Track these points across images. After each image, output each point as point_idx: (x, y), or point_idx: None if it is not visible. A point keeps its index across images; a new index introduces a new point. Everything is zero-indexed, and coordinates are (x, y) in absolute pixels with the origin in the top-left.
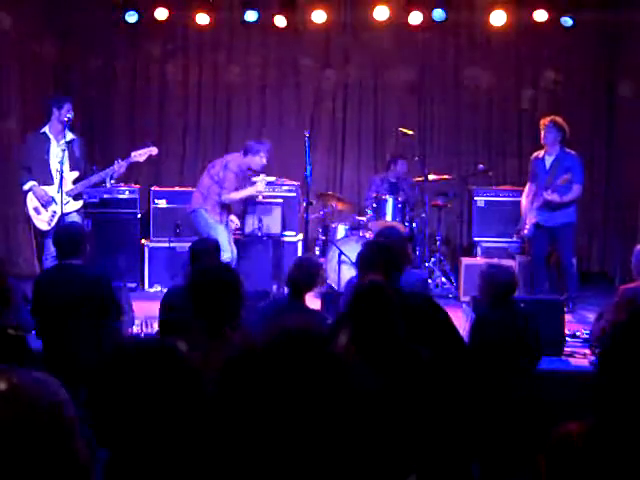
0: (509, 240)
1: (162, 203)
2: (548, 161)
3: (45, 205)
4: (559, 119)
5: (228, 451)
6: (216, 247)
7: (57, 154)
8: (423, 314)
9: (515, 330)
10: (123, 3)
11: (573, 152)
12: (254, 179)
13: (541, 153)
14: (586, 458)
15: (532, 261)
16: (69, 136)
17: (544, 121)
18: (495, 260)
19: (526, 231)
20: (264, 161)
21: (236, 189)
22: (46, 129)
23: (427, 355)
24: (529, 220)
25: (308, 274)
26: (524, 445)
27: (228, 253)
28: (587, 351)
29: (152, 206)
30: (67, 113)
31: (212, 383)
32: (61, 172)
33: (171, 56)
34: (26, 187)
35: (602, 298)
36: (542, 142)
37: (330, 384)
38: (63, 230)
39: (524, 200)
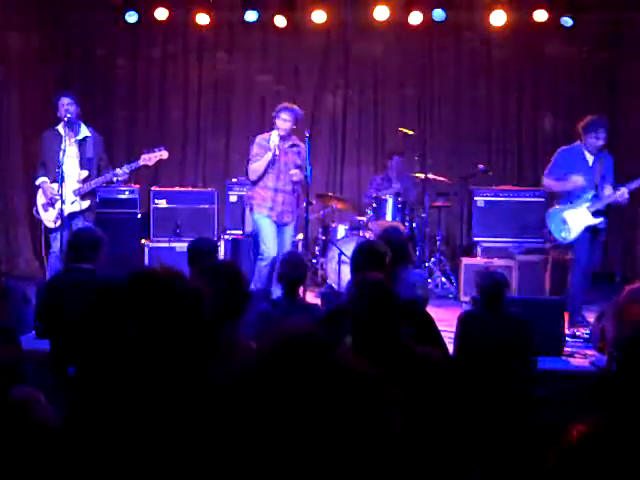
0: (509, 240)
1: (162, 203)
2: (590, 159)
3: (52, 202)
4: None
5: (233, 456)
6: (214, 247)
7: (71, 152)
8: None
9: (503, 333)
10: (123, 3)
11: (608, 152)
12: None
13: (576, 147)
14: (603, 459)
15: (581, 267)
16: (84, 133)
17: (589, 119)
18: (494, 261)
19: (572, 235)
20: (286, 125)
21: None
22: (59, 126)
23: (438, 357)
24: (576, 223)
25: (296, 269)
26: (524, 450)
27: (269, 250)
28: (587, 351)
29: (152, 206)
30: (62, 108)
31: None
32: (61, 172)
33: (171, 56)
34: (37, 182)
35: (602, 298)
36: (601, 143)
37: (334, 391)
38: (79, 234)
39: (564, 182)
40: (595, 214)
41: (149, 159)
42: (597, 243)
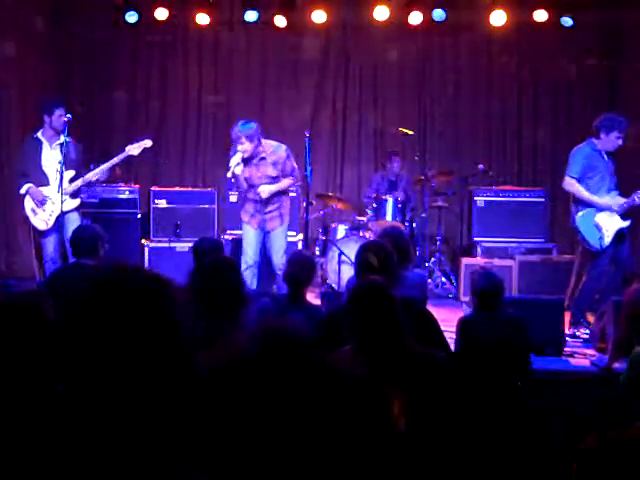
0: (509, 240)
1: (162, 203)
2: (606, 157)
3: (40, 203)
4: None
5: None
6: (218, 247)
7: (53, 156)
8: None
9: (498, 335)
10: (123, 3)
11: None
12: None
13: (597, 145)
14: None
15: (601, 270)
16: (62, 138)
17: (604, 116)
18: (494, 261)
19: (607, 241)
20: (245, 147)
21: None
22: (39, 134)
23: (443, 357)
24: (609, 227)
25: (303, 269)
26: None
27: (246, 257)
28: (587, 351)
29: (152, 206)
30: (59, 119)
31: (212, 381)
32: (61, 172)
33: (171, 56)
34: (22, 190)
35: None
36: (620, 144)
37: (311, 386)
38: (81, 231)
39: (597, 199)
40: (623, 216)
41: (133, 149)
42: (627, 244)
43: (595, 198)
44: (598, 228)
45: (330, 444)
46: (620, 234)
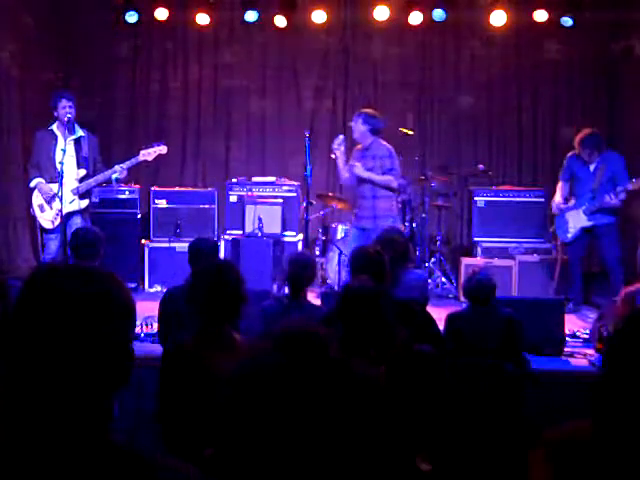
0: (509, 240)
1: (162, 203)
2: (592, 164)
3: (49, 201)
4: (588, 130)
5: (236, 453)
6: (214, 247)
7: (67, 151)
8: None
9: (486, 332)
10: (123, 3)
11: (615, 152)
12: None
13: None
14: (593, 458)
15: (570, 263)
16: (79, 133)
17: (580, 136)
18: (494, 261)
19: (570, 235)
20: (354, 133)
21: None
22: (54, 126)
23: (431, 352)
24: (574, 224)
25: (305, 269)
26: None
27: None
28: (587, 351)
29: (152, 206)
30: (63, 110)
31: (218, 385)
32: (61, 171)
33: (171, 56)
34: (32, 184)
35: (604, 298)
36: (591, 163)
37: (333, 387)
38: (81, 233)
39: (558, 199)
40: (592, 215)
41: (148, 154)
42: (606, 237)
43: (555, 194)
44: (566, 222)
45: (354, 447)
46: (589, 231)
